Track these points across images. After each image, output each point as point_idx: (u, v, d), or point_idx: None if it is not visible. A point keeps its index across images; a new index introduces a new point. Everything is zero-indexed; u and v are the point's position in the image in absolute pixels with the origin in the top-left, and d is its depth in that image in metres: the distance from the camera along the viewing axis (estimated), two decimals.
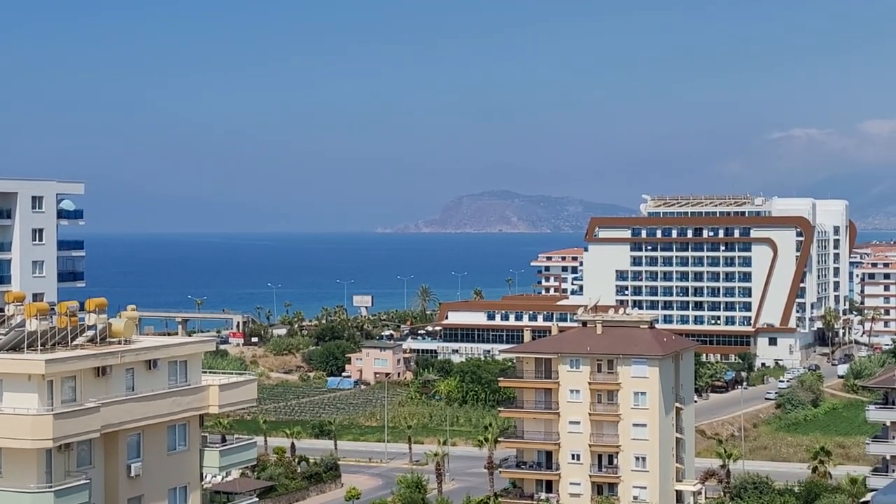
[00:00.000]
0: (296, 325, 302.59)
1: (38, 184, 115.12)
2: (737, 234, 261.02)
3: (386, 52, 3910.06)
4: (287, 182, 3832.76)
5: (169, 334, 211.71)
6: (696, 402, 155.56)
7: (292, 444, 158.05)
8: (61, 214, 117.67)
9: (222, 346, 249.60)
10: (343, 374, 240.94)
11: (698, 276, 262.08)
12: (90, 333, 62.05)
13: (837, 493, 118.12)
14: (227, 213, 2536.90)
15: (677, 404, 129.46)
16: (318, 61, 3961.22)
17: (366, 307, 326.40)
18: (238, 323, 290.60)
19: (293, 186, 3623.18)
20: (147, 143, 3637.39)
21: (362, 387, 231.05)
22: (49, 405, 55.35)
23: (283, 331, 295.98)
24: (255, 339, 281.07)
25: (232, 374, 79.14)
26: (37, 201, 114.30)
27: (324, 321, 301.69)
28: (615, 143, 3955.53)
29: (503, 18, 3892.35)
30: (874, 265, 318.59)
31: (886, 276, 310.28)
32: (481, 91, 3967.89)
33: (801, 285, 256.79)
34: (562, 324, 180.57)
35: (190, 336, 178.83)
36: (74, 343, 60.72)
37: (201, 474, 66.88)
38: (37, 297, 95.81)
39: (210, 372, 74.75)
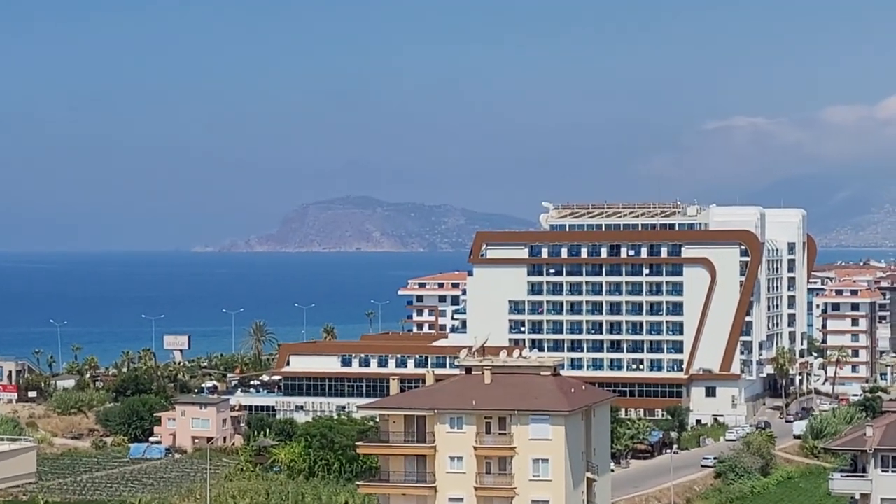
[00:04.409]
0: (88, 376, 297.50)
1: None
2: (664, 252, 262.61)
3: (199, 13, 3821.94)
4: (71, 184, 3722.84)
5: None
6: (613, 471, 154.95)
7: None
8: None
9: None
10: (151, 439, 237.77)
11: (615, 308, 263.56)
12: None
13: None
14: None
15: (589, 474, 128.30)
16: (95, 25, 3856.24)
17: (181, 350, 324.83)
18: (10, 373, 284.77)
19: (79, 190, 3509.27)
20: None
21: (176, 456, 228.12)
22: None
23: (70, 382, 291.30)
24: (32, 394, 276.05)
25: (2, 440, 78.74)
26: None
27: (125, 370, 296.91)
28: (507, 135, 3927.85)
29: None
30: (839, 293, 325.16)
31: (854, 306, 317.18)
32: (329, 69, 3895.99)
33: (747, 319, 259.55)
34: (439, 371, 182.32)
35: None
36: None
37: None
38: None
39: None
